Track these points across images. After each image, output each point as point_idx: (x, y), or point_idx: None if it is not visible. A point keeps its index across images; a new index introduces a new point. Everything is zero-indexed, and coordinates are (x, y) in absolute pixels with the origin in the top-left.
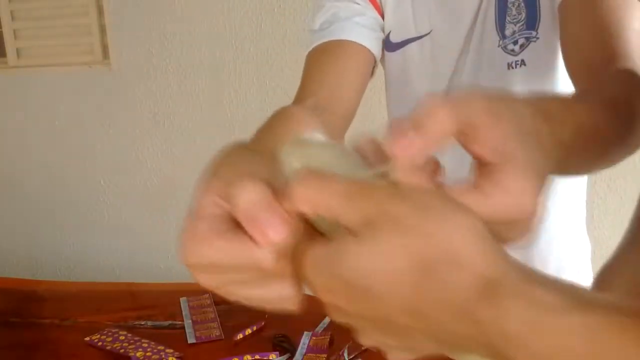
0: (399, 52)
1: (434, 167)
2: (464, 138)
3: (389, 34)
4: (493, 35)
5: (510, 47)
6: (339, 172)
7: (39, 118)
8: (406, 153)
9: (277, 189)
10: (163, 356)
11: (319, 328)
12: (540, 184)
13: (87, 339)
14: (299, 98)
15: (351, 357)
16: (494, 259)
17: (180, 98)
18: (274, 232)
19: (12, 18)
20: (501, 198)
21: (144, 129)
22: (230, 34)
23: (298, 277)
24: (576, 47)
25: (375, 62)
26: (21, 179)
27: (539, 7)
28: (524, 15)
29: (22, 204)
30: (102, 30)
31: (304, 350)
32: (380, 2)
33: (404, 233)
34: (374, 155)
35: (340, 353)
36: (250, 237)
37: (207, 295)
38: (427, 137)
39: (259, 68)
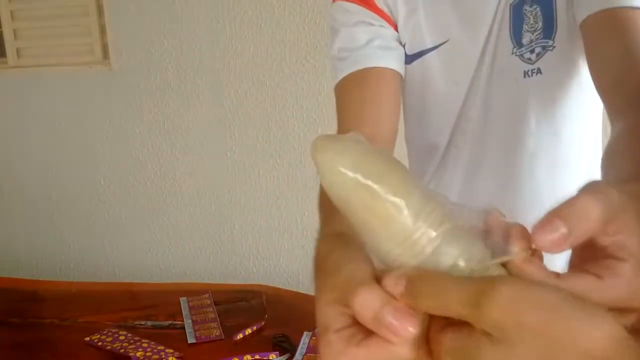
0: (415, 63)
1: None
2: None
3: (404, 46)
4: (507, 43)
5: (527, 55)
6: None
7: (39, 118)
8: (554, 248)
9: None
10: (163, 356)
11: None
12: None
13: (87, 339)
14: None
15: None
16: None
17: (180, 98)
18: (404, 329)
19: (12, 18)
20: (617, 287)
21: (144, 129)
22: (230, 34)
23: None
24: (608, 70)
25: (402, 78)
26: (21, 179)
27: (556, 16)
28: (540, 24)
29: (22, 204)
30: (102, 30)
31: (304, 350)
32: (392, 15)
33: (537, 339)
34: (488, 229)
35: None
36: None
37: (207, 295)
38: (576, 235)
39: (259, 68)
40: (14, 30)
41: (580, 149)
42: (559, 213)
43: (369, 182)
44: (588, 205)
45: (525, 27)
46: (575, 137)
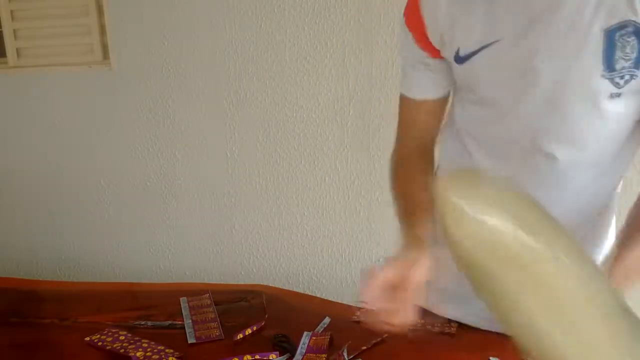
0: (467, 62)
1: None
2: None
3: (457, 50)
4: (598, 65)
5: (617, 80)
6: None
7: (39, 118)
8: None
9: None
10: (163, 356)
11: (319, 328)
12: None
13: (87, 339)
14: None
15: (351, 357)
16: None
17: (180, 98)
18: None
19: (12, 18)
20: None
21: (144, 129)
22: (230, 34)
23: None
24: None
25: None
26: (21, 179)
27: None
28: (635, 54)
29: (22, 204)
30: (102, 30)
31: (304, 350)
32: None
33: None
34: None
35: (340, 353)
36: None
37: (207, 295)
38: None
39: (259, 68)
40: (14, 30)
41: (619, 174)
42: None
43: (532, 240)
44: None
45: (619, 53)
46: (617, 165)
